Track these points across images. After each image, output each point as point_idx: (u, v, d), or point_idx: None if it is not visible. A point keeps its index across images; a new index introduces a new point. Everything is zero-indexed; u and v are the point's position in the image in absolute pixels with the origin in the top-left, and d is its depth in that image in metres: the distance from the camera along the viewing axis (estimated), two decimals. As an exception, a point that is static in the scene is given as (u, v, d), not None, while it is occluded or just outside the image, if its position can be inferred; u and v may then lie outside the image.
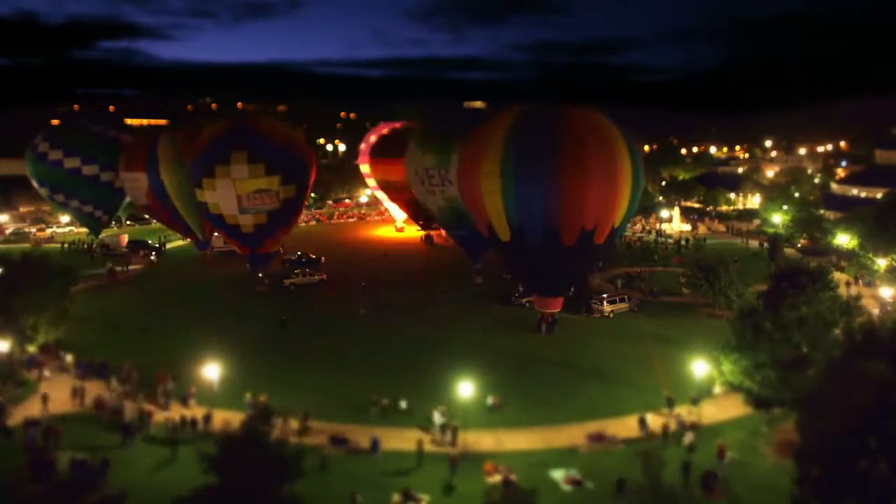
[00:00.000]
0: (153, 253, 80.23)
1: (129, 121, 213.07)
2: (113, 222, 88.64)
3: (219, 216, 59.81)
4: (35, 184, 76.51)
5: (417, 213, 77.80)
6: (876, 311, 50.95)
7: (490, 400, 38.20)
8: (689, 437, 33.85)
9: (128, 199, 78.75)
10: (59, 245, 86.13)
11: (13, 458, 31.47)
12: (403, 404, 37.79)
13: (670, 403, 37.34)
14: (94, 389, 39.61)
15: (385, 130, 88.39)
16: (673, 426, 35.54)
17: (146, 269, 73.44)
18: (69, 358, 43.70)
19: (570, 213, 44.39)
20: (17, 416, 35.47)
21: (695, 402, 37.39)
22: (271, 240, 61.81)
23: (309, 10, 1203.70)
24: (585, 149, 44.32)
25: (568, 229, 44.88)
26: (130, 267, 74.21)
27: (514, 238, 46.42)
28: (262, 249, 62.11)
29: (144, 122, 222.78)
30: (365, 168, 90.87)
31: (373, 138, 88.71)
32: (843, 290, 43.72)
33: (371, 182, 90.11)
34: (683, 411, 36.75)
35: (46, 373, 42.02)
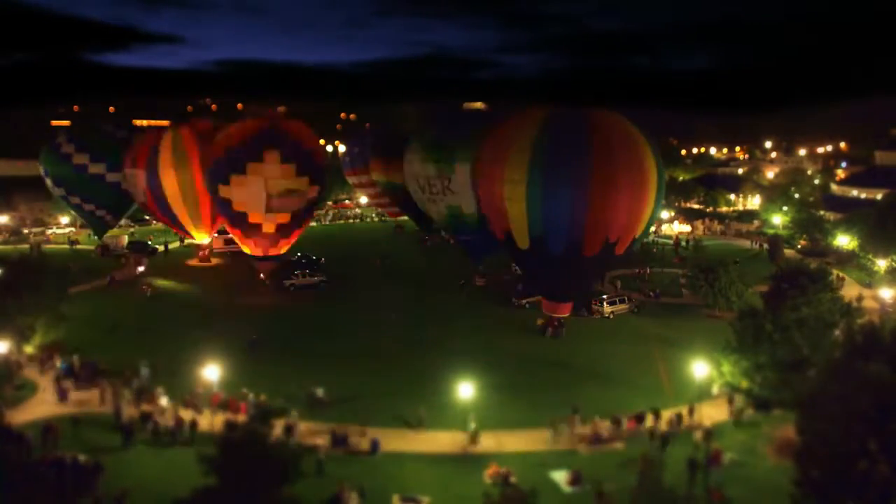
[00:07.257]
0: (142, 263, 73.48)
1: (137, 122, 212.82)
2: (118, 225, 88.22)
3: (241, 214, 59.71)
4: (49, 182, 76.21)
5: (419, 215, 77.53)
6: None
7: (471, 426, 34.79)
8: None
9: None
10: (64, 246, 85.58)
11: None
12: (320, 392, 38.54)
13: (657, 414, 35.77)
14: (93, 391, 39.63)
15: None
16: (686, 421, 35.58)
17: (137, 276, 71.81)
18: (73, 358, 43.64)
19: (596, 225, 43.67)
20: (15, 418, 35.36)
21: (656, 413, 35.76)
22: (286, 240, 62.50)
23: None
24: (615, 159, 43.37)
25: (591, 241, 44.26)
26: (128, 269, 73.61)
27: (533, 247, 45.74)
28: (276, 251, 62.48)
29: (145, 122, 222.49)
30: (353, 179, 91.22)
31: (356, 149, 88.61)
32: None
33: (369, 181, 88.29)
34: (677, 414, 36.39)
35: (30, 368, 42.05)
